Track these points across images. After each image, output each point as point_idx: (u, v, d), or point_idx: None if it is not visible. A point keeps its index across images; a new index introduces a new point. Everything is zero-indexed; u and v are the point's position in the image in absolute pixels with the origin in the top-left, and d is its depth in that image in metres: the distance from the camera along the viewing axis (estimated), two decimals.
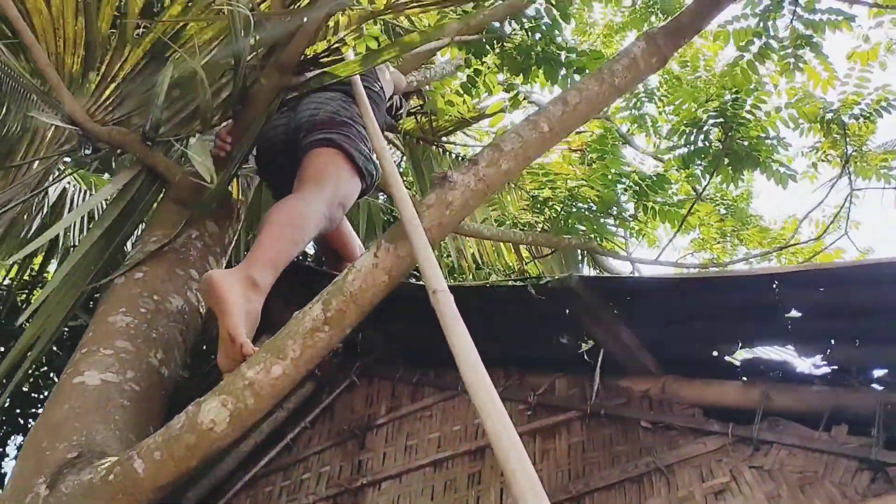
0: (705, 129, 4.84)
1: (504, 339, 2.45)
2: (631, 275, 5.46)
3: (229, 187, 3.05)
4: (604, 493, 2.06)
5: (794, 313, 2.02)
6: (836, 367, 1.99)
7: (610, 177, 5.04)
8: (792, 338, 2.06)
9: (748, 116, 4.70)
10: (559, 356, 2.39)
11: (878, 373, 1.92)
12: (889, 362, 1.89)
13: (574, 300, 2.16)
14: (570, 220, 5.28)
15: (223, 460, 3.05)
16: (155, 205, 3.01)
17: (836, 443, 1.82)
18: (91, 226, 3.29)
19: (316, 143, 2.77)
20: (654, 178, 5.11)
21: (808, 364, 2.05)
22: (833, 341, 2.00)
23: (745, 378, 2.06)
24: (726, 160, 4.87)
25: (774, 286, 1.97)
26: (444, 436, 2.54)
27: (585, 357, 2.31)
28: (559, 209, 5.29)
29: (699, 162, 5.03)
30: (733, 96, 4.66)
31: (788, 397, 1.96)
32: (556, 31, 3.94)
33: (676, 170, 5.44)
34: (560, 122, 2.40)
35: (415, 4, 3.12)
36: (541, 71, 4.02)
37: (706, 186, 5.68)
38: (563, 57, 3.92)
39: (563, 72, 3.95)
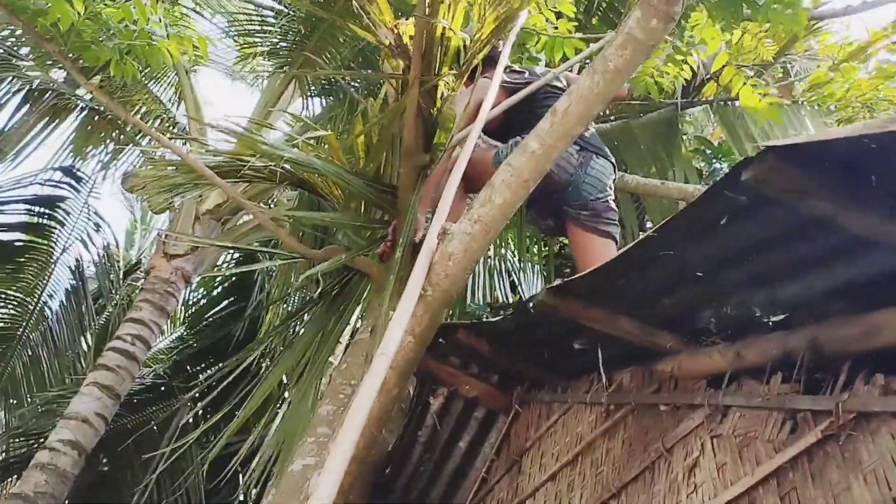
0: None
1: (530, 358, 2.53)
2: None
3: None
4: (631, 485, 2.05)
5: None
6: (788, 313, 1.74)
7: None
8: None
9: None
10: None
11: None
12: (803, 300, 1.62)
13: (550, 312, 2.21)
14: None
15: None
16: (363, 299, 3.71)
17: (771, 395, 1.64)
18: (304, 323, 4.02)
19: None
20: None
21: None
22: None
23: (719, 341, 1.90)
24: None
25: None
26: (563, 448, 2.67)
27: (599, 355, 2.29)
28: None
29: None
30: None
31: (753, 353, 1.78)
32: None
33: None
34: (551, 135, 2.50)
35: None
36: None
37: None
38: None
39: None
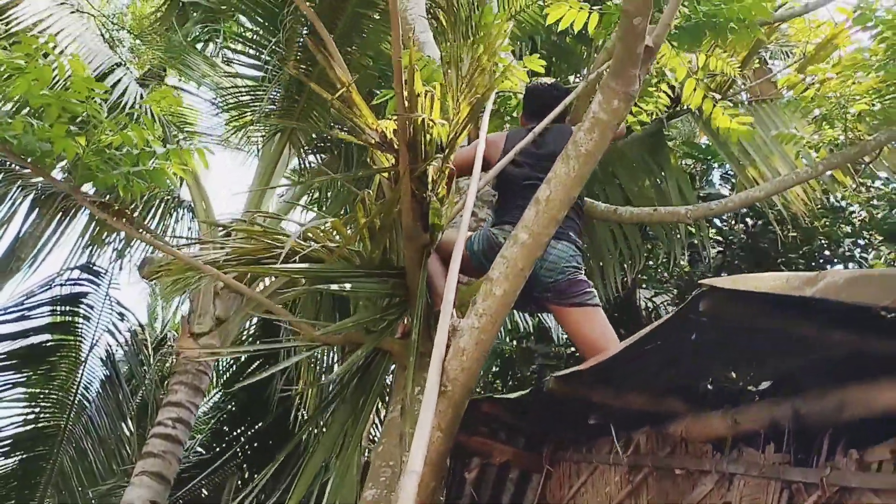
0: None
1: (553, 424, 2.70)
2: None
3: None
4: None
5: None
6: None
7: None
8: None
9: None
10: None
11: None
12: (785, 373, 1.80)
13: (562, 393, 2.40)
14: None
15: None
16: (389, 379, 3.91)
17: (767, 465, 1.82)
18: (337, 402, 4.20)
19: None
20: None
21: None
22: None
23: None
24: None
25: None
26: None
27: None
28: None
29: None
30: None
31: (747, 420, 1.96)
32: None
33: None
34: (538, 223, 2.69)
35: None
36: None
37: None
38: None
39: None
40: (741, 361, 1.99)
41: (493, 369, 7.23)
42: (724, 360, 2.04)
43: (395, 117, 3.42)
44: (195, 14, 10.64)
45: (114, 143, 4.17)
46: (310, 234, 4.18)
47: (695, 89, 4.62)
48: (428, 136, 3.51)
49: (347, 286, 4.23)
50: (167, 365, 9.76)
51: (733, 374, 2.07)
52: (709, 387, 2.16)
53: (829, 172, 5.30)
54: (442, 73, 4.32)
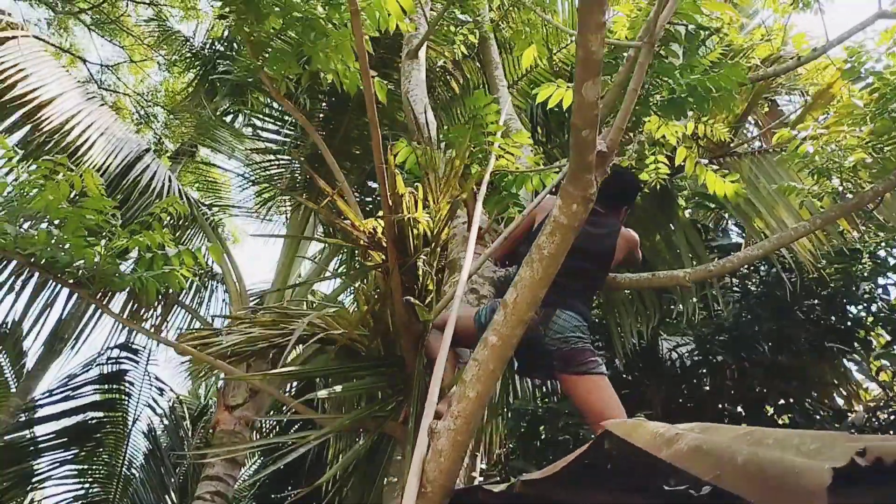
0: None
1: None
2: None
3: None
4: None
5: None
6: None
7: None
8: None
9: None
10: None
11: None
12: None
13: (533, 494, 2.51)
14: None
15: None
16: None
17: None
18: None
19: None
20: None
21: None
22: None
23: None
24: None
25: None
26: None
27: None
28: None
29: None
30: None
31: None
32: None
33: None
34: (506, 325, 2.83)
35: None
36: None
37: None
38: None
39: None
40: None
41: (522, 428, 7.30)
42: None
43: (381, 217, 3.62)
44: (223, 88, 11.04)
45: (130, 246, 4.45)
46: (318, 321, 4.40)
47: (686, 157, 4.75)
48: (415, 232, 3.70)
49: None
50: (208, 435, 10.01)
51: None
52: (666, 487, 2.26)
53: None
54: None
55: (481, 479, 8.05)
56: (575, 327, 3.48)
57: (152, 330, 8.58)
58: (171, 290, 8.65)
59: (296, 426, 9.45)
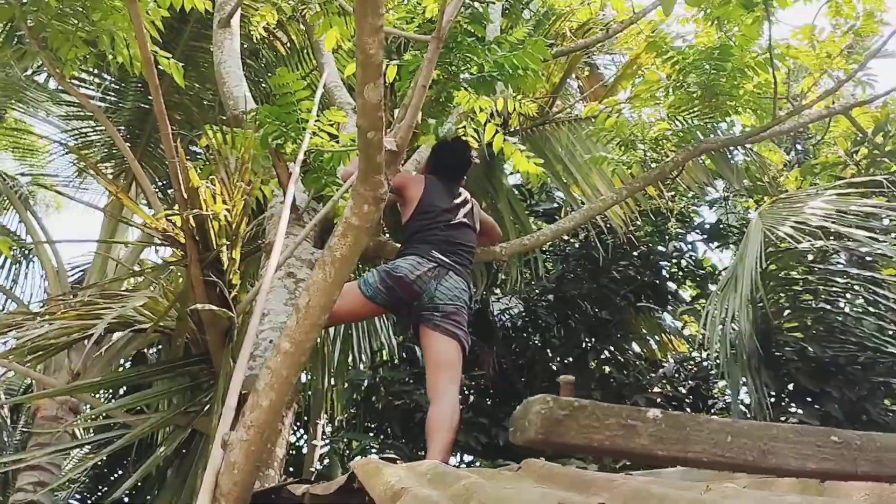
0: None
1: None
2: None
3: None
4: None
5: None
6: None
7: None
8: None
9: None
10: None
11: None
12: None
13: None
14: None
15: None
16: None
17: None
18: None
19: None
20: None
21: None
22: None
23: None
24: None
25: None
26: None
27: None
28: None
29: None
30: None
31: None
32: None
33: None
34: (299, 331, 2.80)
35: None
36: None
37: None
38: None
39: None
40: None
41: (355, 398, 7.36)
42: None
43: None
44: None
45: None
46: (132, 311, 4.21)
47: (494, 134, 4.82)
48: (215, 225, 3.58)
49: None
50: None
51: None
52: None
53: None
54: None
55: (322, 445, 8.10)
56: (462, 291, 3.79)
57: None
58: None
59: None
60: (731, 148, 6.14)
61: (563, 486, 1.29)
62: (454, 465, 7.06)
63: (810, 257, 5.85)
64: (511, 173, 7.14)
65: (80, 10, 3.65)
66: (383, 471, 1.57)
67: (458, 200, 4.30)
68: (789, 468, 1.04)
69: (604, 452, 0.96)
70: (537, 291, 7.25)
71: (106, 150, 9.25)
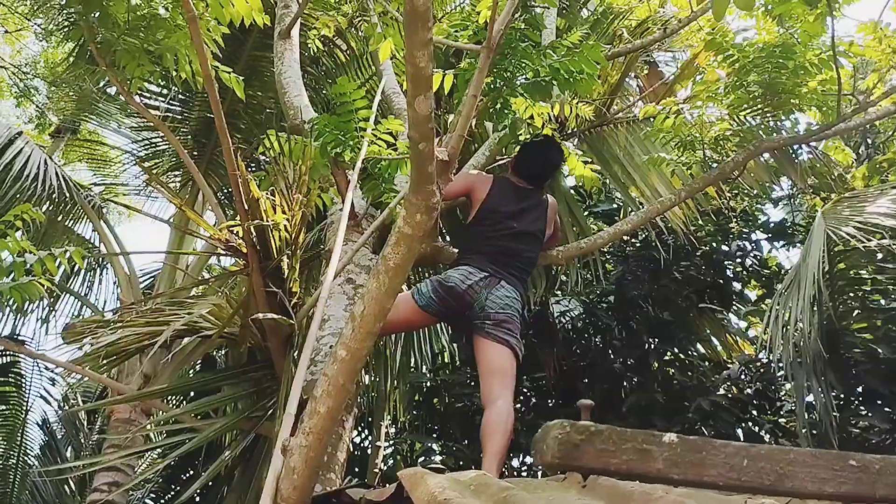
0: None
1: None
2: None
3: None
4: None
5: None
6: None
7: None
8: None
9: None
10: None
11: None
12: None
13: None
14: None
15: None
16: None
17: None
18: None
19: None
20: None
21: None
22: None
23: None
24: None
25: None
26: None
27: None
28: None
29: None
30: None
31: None
32: None
33: None
34: (355, 339, 2.85)
35: None
36: None
37: None
38: None
39: None
40: None
41: (417, 400, 7.44)
42: None
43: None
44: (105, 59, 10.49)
45: None
46: (198, 318, 4.35)
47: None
48: (276, 234, 3.68)
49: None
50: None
51: None
52: None
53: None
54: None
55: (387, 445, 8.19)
56: (514, 300, 3.86)
57: (39, 323, 8.33)
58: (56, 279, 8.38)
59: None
60: (795, 146, 6.00)
61: (602, 498, 1.31)
62: (516, 466, 7.07)
63: (879, 256, 5.68)
64: (568, 175, 7.11)
65: (145, 28, 3.79)
66: (427, 480, 1.61)
67: (525, 204, 4.30)
68: (806, 491, 1.03)
69: (620, 476, 0.98)
70: (598, 293, 7.21)
71: (174, 160, 9.52)
